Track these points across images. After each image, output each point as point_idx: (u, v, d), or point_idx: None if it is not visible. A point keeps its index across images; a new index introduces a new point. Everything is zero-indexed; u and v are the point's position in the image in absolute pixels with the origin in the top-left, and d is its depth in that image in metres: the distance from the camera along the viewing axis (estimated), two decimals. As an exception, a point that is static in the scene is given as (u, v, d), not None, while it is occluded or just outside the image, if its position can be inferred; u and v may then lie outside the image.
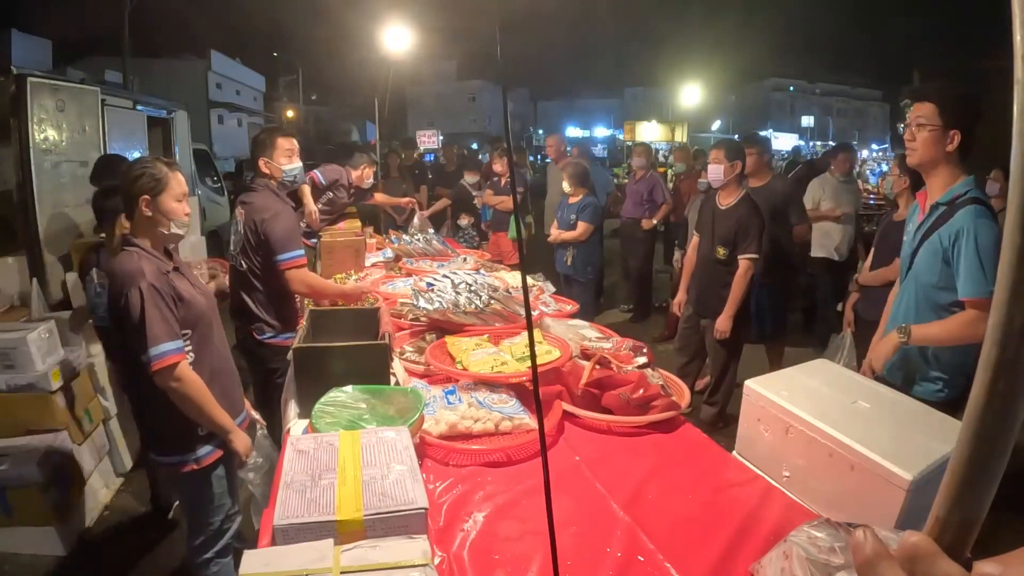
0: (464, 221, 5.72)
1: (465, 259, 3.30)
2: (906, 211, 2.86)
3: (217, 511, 1.81)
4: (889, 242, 2.85)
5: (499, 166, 5.30)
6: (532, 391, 1.69)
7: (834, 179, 4.53)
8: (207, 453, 1.74)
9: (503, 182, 5.28)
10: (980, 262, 1.65)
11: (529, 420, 1.57)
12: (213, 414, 1.67)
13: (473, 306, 2.09)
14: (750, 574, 1.08)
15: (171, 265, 1.71)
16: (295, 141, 2.54)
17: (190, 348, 1.69)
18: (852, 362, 2.90)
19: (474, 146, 20.01)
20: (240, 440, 1.75)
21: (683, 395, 1.79)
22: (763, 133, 33.83)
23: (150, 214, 1.67)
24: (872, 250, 3.14)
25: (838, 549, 0.90)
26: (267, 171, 2.46)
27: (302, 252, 2.39)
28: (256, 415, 2.03)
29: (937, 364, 1.84)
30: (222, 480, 1.80)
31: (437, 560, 1.08)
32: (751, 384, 1.54)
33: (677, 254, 4.96)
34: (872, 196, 9.26)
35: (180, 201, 1.72)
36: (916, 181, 2.83)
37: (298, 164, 2.53)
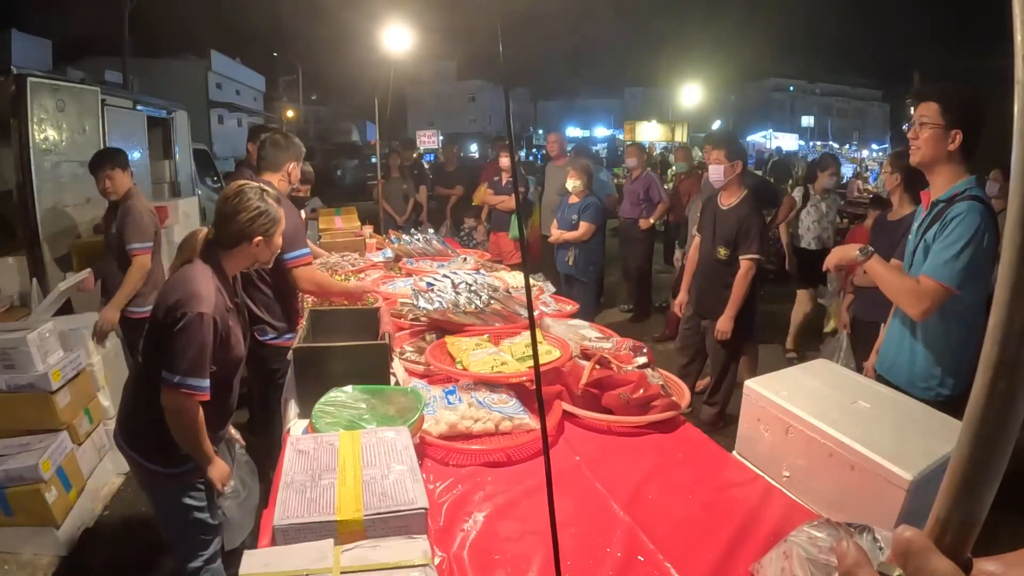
0: (471, 223, 5.70)
1: (465, 259, 3.30)
2: (900, 209, 2.82)
3: (198, 522, 1.74)
4: (881, 242, 2.79)
5: (504, 163, 5.30)
6: (532, 391, 1.69)
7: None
8: (188, 470, 1.69)
9: (503, 182, 5.27)
10: (956, 247, 1.66)
11: (529, 420, 1.57)
12: (199, 444, 1.61)
13: (473, 306, 2.09)
14: (750, 574, 1.08)
15: (234, 302, 1.67)
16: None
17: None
18: (850, 363, 2.91)
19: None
20: (217, 470, 1.68)
21: (683, 395, 1.79)
22: (763, 133, 33.98)
23: (259, 251, 1.66)
24: None
25: (838, 549, 0.90)
26: (289, 176, 2.51)
27: (308, 250, 2.39)
28: (235, 433, 1.96)
29: (937, 363, 1.84)
30: (201, 493, 1.74)
31: (437, 560, 1.08)
32: (751, 384, 1.54)
33: (678, 253, 4.96)
34: (872, 196, 9.26)
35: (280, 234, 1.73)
36: (909, 179, 2.78)
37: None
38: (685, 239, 4.73)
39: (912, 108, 1.83)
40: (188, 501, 1.73)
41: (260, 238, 1.64)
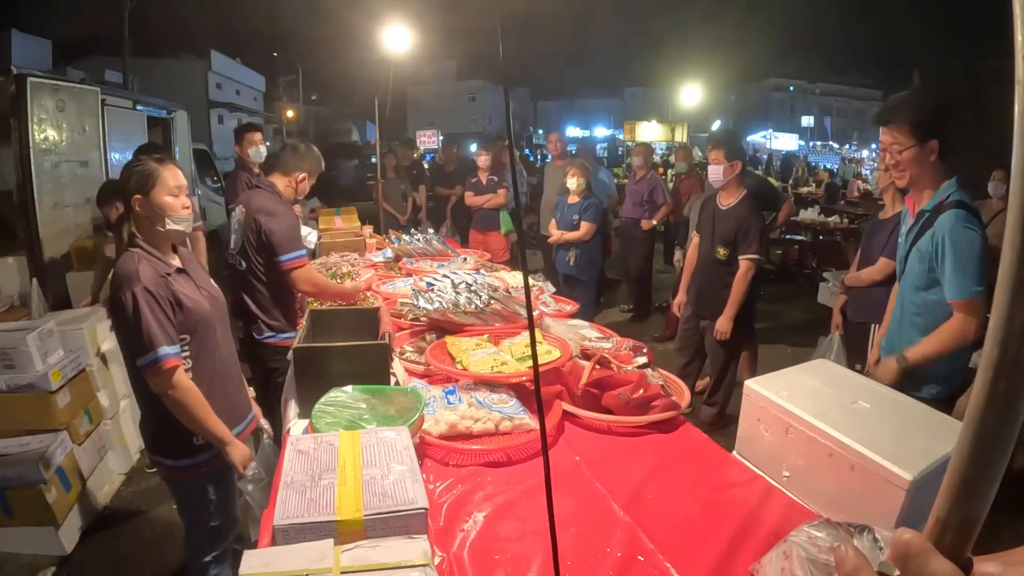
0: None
1: (465, 259, 3.30)
2: (892, 208, 2.78)
3: (214, 516, 1.78)
4: (874, 242, 2.79)
5: (483, 161, 5.31)
6: (532, 391, 1.69)
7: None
8: (204, 460, 1.72)
9: (484, 181, 5.28)
10: (960, 265, 1.69)
11: (529, 420, 1.57)
12: (208, 424, 1.63)
13: (473, 306, 2.09)
14: (750, 574, 1.08)
15: (174, 267, 1.68)
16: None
17: (187, 354, 1.66)
18: (842, 363, 2.88)
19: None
20: (236, 452, 1.69)
21: (683, 395, 1.79)
22: (763, 133, 33.96)
23: (144, 212, 1.66)
24: (859, 251, 3.04)
25: (838, 549, 0.90)
26: (296, 185, 2.52)
27: (304, 252, 2.40)
28: (265, 423, 1.99)
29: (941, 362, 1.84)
30: (219, 486, 1.78)
31: (437, 560, 1.08)
32: (751, 384, 1.54)
33: (678, 254, 4.95)
34: (872, 197, 9.27)
35: (176, 196, 1.68)
36: None
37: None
38: (685, 239, 4.72)
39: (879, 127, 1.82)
40: (199, 495, 1.76)
41: (139, 196, 1.64)
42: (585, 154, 6.73)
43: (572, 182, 4.18)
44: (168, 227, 1.67)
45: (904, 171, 1.79)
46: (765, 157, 16.77)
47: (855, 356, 2.68)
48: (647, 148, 5.78)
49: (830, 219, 7.65)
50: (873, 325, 2.60)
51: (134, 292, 1.54)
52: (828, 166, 20.10)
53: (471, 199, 5.35)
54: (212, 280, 1.86)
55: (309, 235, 3.60)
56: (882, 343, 2.11)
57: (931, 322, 1.81)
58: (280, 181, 2.47)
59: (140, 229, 1.68)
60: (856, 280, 2.87)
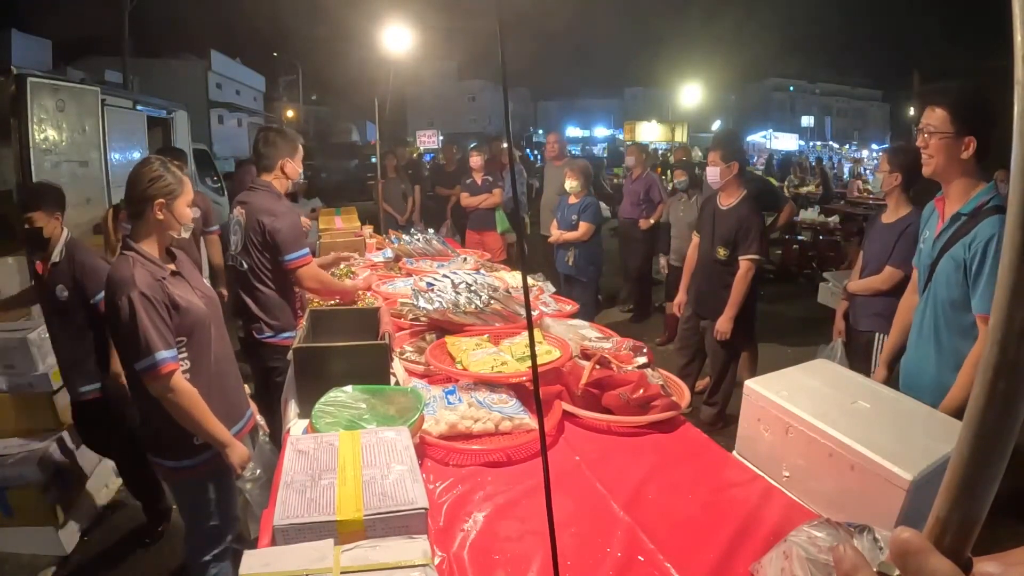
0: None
1: (465, 259, 3.30)
2: (896, 211, 2.60)
3: (214, 515, 1.79)
4: (875, 247, 2.64)
5: (476, 162, 5.31)
6: (532, 391, 1.69)
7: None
8: (204, 460, 1.73)
9: (479, 182, 5.28)
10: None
11: (529, 420, 1.57)
12: (208, 426, 1.64)
13: (473, 306, 2.09)
14: (750, 574, 1.08)
15: (168, 270, 1.70)
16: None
17: (185, 356, 1.67)
18: None
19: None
20: (236, 453, 1.70)
21: (683, 395, 1.79)
22: (763, 133, 33.98)
23: (163, 218, 1.67)
24: (860, 255, 2.89)
25: (838, 549, 0.90)
26: (284, 173, 2.52)
27: (308, 250, 2.41)
28: (261, 421, 2.00)
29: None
30: (219, 485, 1.79)
31: (437, 560, 1.08)
32: (751, 384, 1.54)
33: (663, 260, 4.84)
34: (872, 197, 9.29)
35: (190, 206, 1.75)
36: (908, 178, 2.54)
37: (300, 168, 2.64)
38: (668, 244, 4.68)
39: (913, 110, 1.79)
40: (200, 495, 1.77)
41: (162, 200, 1.66)
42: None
43: (569, 184, 4.20)
44: (181, 235, 1.74)
45: (932, 157, 1.68)
46: (755, 159, 16.75)
47: (859, 365, 2.51)
48: (640, 148, 5.80)
49: (830, 219, 7.65)
50: (878, 335, 2.53)
51: (130, 297, 1.55)
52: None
53: (466, 200, 5.36)
54: (204, 280, 1.89)
55: None
56: (904, 365, 1.99)
57: (971, 341, 1.69)
58: (269, 177, 2.48)
59: (143, 231, 1.68)
60: (859, 288, 2.72)
